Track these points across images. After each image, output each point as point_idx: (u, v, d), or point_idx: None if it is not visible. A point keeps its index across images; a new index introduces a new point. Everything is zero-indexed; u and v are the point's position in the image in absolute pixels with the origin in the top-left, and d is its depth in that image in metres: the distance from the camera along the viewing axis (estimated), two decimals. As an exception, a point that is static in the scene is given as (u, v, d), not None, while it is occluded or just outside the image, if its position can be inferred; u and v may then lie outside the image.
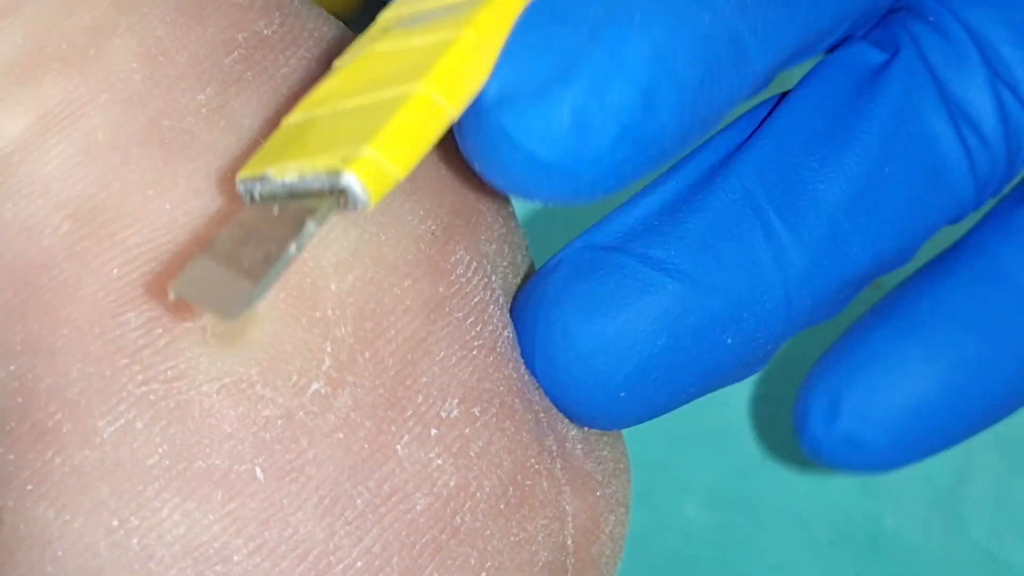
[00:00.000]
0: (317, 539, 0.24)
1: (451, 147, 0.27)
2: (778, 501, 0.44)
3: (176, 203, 0.25)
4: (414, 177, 0.26)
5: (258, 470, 0.24)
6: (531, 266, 0.29)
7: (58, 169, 0.25)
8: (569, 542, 0.27)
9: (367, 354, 0.25)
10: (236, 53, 0.26)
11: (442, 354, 0.26)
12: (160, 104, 0.25)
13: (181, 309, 0.24)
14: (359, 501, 0.25)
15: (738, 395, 0.47)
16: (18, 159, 0.25)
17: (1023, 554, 0.44)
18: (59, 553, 0.24)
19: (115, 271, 0.25)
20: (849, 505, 0.44)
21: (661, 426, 0.47)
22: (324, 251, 0.25)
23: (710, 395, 0.49)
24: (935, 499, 0.45)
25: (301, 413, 0.25)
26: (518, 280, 0.28)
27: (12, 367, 0.24)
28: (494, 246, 0.27)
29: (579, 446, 0.28)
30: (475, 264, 0.27)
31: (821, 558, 0.43)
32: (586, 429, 0.28)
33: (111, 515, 0.24)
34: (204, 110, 0.25)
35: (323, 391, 0.25)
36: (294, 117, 0.24)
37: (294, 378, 0.25)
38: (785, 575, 0.43)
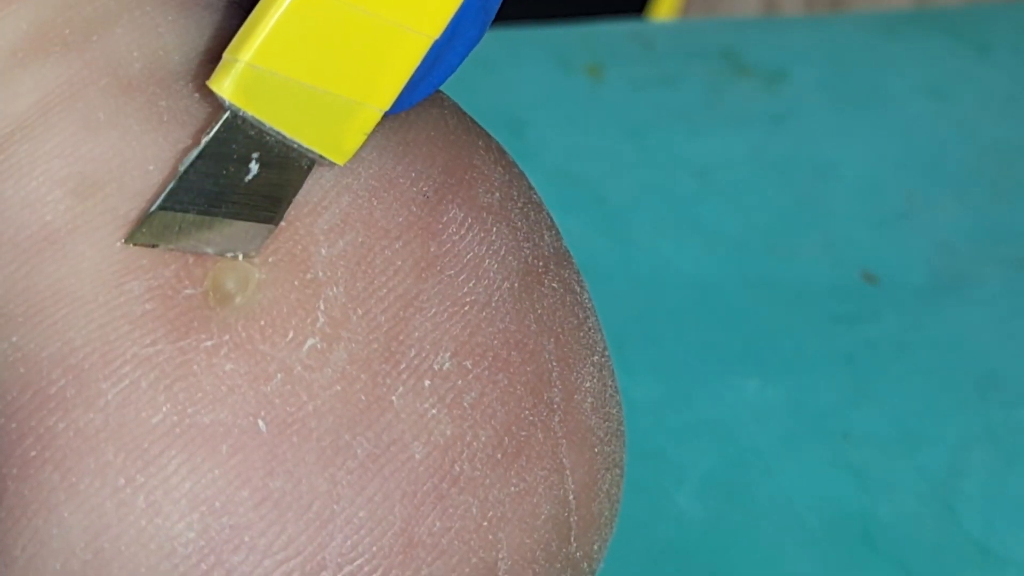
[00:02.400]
0: (320, 490, 0.25)
1: (441, 107, 0.28)
2: (771, 493, 0.45)
3: None
4: (405, 140, 0.27)
5: (261, 423, 0.25)
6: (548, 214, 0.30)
7: (59, 146, 0.25)
8: (571, 497, 0.28)
9: (360, 311, 0.26)
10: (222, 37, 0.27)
11: (434, 310, 0.26)
12: (157, 89, 0.26)
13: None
14: (359, 451, 0.25)
15: (734, 388, 0.48)
16: (19, 137, 0.25)
17: (1015, 547, 0.44)
18: (65, 515, 0.25)
19: (117, 244, 0.25)
20: (842, 498, 0.45)
21: (656, 416, 0.47)
22: (315, 219, 0.26)
23: (706, 387, 0.50)
24: (928, 492, 0.45)
25: (299, 367, 0.25)
26: (543, 214, 0.29)
27: (14, 338, 0.25)
28: (497, 194, 0.28)
29: (589, 399, 0.28)
30: (470, 220, 0.27)
31: (814, 550, 0.44)
32: (601, 382, 0.29)
33: (117, 474, 0.24)
34: (197, 95, 0.26)
35: (319, 346, 0.25)
36: None
37: (290, 335, 0.25)
38: (777, 566, 0.43)
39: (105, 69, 0.26)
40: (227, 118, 0.25)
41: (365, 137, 0.26)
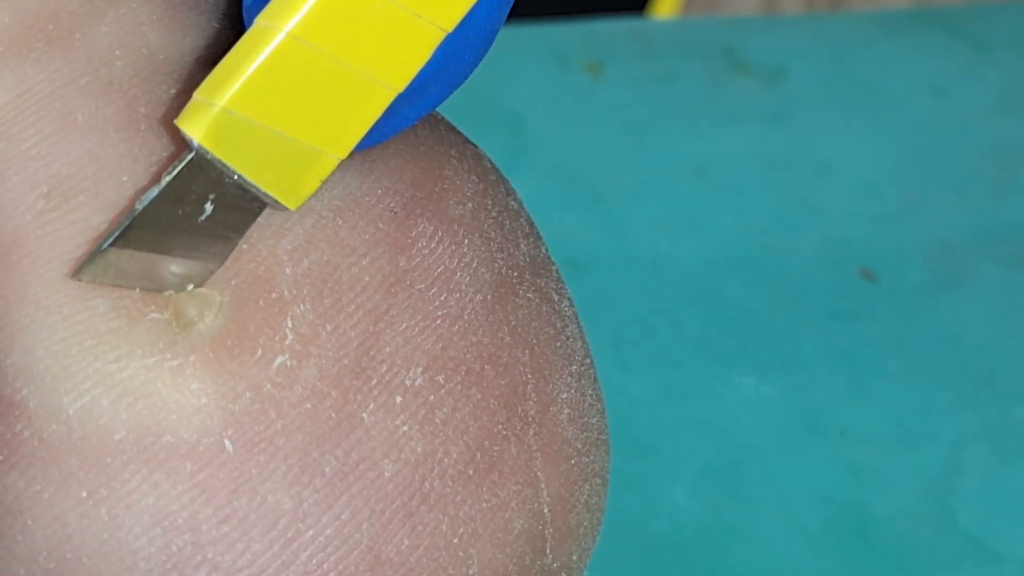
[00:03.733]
0: (285, 508, 0.25)
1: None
2: (768, 489, 0.45)
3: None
4: (372, 156, 0.27)
5: (227, 442, 0.25)
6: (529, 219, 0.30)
7: (36, 147, 0.25)
8: (545, 510, 0.27)
9: (329, 327, 0.26)
10: (190, 57, 0.26)
11: (404, 325, 0.26)
12: (138, 92, 0.26)
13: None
14: (327, 469, 0.25)
15: (731, 384, 0.48)
16: None
17: (1012, 544, 0.44)
18: (29, 522, 0.25)
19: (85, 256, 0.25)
20: (839, 494, 0.45)
21: (653, 413, 0.47)
22: (279, 240, 0.26)
23: (703, 384, 0.50)
24: (925, 489, 0.45)
25: (268, 385, 0.25)
26: (520, 222, 0.29)
27: None
28: (470, 205, 0.28)
29: (566, 410, 0.28)
30: (440, 234, 0.27)
31: (810, 546, 0.44)
32: (580, 392, 0.29)
33: (80, 486, 0.24)
34: (176, 104, 0.26)
35: (289, 363, 0.25)
36: None
37: (259, 352, 0.25)
38: (774, 563, 0.43)
39: (87, 68, 0.26)
40: (192, 159, 0.25)
41: (320, 184, 0.25)
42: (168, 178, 0.25)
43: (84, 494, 0.24)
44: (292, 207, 0.25)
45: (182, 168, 0.25)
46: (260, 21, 0.25)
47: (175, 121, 0.25)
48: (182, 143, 0.25)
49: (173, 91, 0.26)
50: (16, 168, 0.25)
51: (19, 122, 0.25)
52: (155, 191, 0.25)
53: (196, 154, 0.25)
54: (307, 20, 0.24)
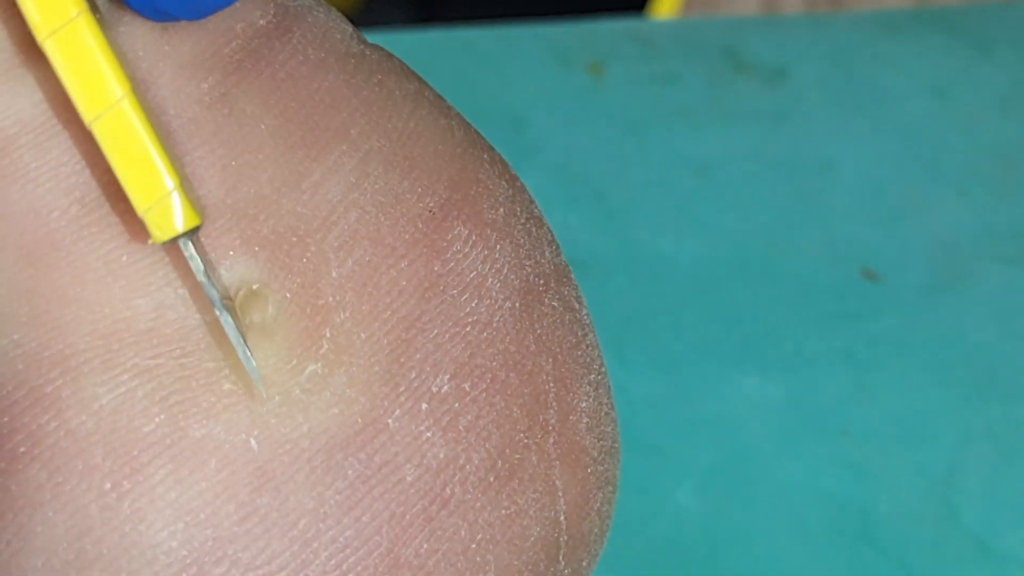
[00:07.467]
0: (307, 507, 0.25)
1: (448, 118, 0.28)
2: (771, 489, 0.45)
3: None
4: (411, 155, 0.27)
5: (253, 441, 0.25)
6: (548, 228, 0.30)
7: (66, 154, 0.25)
8: (562, 518, 0.28)
9: (363, 335, 0.26)
10: (235, 43, 0.26)
11: (435, 331, 0.27)
12: (165, 93, 0.26)
13: None
14: (350, 472, 0.26)
15: (733, 384, 0.48)
16: (24, 141, 0.25)
17: (1015, 544, 0.44)
18: (50, 514, 0.25)
19: (124, 258, 0.25)
20: (842, 494, 0.45)
21: (656, 412, 0.47)
22: (325, 235, 0.26)
23: (706, 383, 0.50)
24: (928, 489, 0.45)
25: (297, 391, 0.26)
26: (544, 230, 0.29)
27: (15, 336, 0.25)
28: (501, 210, 0.28)
29: (584, 419, 0.28)
30: (474, 238, 0.27)
31: (813, 546, 0.44)
32: (597, 401, 0.29)
33: (104, 478, 0.25)
34: (207, 99, 0.26)
35: (320, 371, 0.26)
36: None
37: (293, 362, 0.26)
38: (776, 562, 0.43)
39: None
40: (193, 242, 0.25)
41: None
42: (206, 280, 0.25)
43: (108, 486, 0.25)
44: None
45: (198, 258, 0.25)
46: (87, 119, 0.24)
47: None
48: (212, 138, 0.25)
49: (204, 86, 0.26)
50: (48, 175, 0.25)
51: (47, 129, 0.25)
52: (217, 303, 0.25)
53: (192, 236, 0.25)
54: (116, 75, 0.24)
